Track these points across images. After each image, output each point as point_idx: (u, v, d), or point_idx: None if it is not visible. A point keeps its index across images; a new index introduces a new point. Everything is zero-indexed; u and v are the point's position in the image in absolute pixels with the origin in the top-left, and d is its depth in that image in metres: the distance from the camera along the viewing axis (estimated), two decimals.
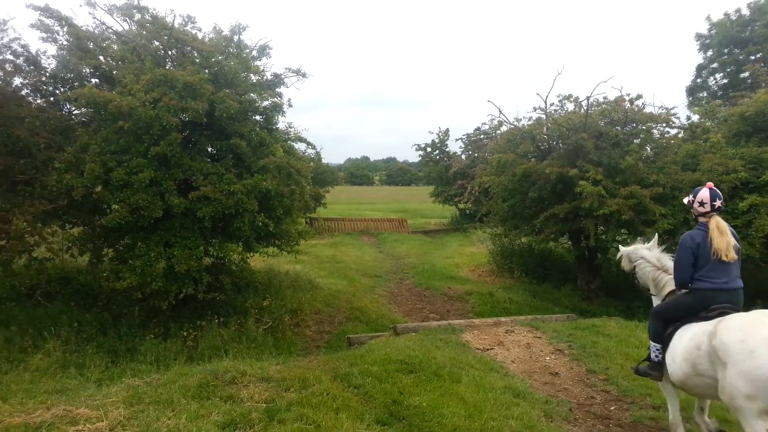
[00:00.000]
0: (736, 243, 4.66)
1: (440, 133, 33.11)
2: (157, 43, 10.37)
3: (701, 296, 4.66)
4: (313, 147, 15.90)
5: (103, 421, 4.67)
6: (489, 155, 19.07)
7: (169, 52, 10.52)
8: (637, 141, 14.09)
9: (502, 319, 9.91)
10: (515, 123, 16.37)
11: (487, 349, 8.00)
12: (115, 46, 10.60)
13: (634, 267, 5.83)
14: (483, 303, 12.85)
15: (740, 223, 11.80)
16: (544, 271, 15.88)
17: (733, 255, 4.59)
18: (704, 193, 4.78)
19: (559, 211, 13.10)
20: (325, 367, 6.59)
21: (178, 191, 9.13)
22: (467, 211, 29.29)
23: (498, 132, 22.79)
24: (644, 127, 14.20)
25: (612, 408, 6.30)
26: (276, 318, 9.98)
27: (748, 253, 11.53)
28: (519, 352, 8.03)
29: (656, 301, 5.43)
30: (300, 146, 15.95)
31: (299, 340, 9.76)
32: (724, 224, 4.70)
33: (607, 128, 13.98)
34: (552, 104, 16.41)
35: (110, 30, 10.54)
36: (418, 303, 12.69)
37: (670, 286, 5.20)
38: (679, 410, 5.15)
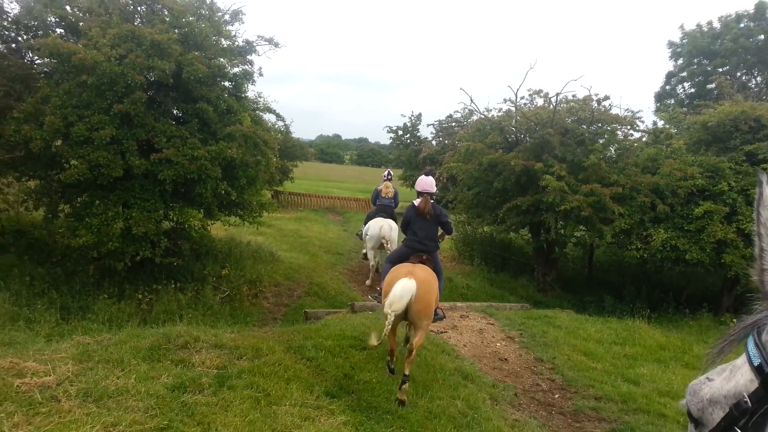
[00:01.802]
0: (395, 191, 12.27)
1: (412, 117, 33.09)
2: None
3: (377, 208, 11.79)
4: (282, 119, 15.67)
5: (50, 375, 4.62)
6: (459, 143, 19.20)
7: (139, 8, 10.23)
8: (601, 141, 14.38)
9: (459, 304, 10.07)
10: (485, 113, 16.50)
11: (441, 332, 8.14)
12: None
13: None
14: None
15: (693, 228, 12.20)
16: (503, 261, 16.16)
17: (391, 194, 12.03)
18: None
19: (522, 203, 13.32)
20: (279, 338, 6.61)
21: (139, 152, 8.93)
22: (434, 197, 29.41)
23: (469, 121, 22.90)
24: (609, 128, 14.47)
25: (556, 396, 6.51)
26: (234, 287, 9.92)
27: (699, 258, 11.95)
28: (471, 336, 8.20)
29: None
30: (269, 117, 15.75)
31: (256, 310, 9.74)
32: (391, 187, 12.27)
33: (573, 126, 14.22)
34: (522, 98, 16.65)
35: None
36: (377, 282, 12.76)
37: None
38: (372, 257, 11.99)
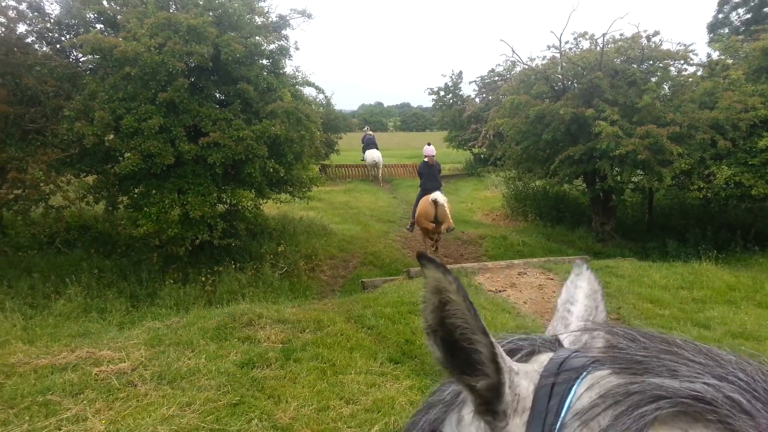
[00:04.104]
0: (372, 134, 25.48)
1: (453, 76, 32.35)
2: None
3: (366, 143, 24.26)
4: (323, 92, 15.58)
5: (125, 361, 4.84)
6: (503, 97, 18.72)
7: None
8: (653, 79, 13.72)
9: (515, 261, 9.95)
10: (529, 63, 15.97)
11: (500, 291, 8.07)
12: None
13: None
14: (497, 246, 12.89)
15: (758, 162, 11.58)
16: (559, 214, 15.82)
17: (372, 135, 25.44)
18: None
19: (574, 152, 12.92)
20: (339, 309, 6.71)
21: (188, 138, 9.09)
22: (481, 156, 28.99)
23: (512, 73, 22.23)
24: (661, 65, 13.79)
25: None
26: (291, 263, 10.10)
27: (766, 192, 11.37)
28: (531, 293, 8.10)
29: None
30: (309, 92, 15.75)
31: (314, 284, 9.90)
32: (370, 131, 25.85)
33: (623, 66, 13.60)
34: (567, 42, 16.06)
35: None
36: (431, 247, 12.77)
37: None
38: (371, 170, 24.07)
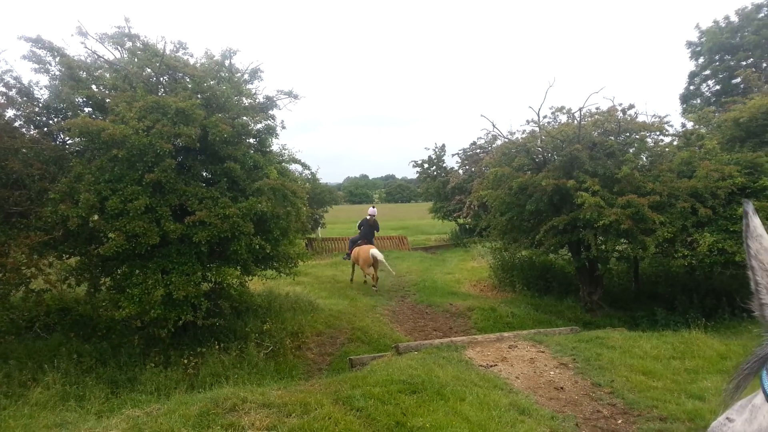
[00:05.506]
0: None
1: (436, 149, 33.21)
2: (149, 70, 10.32)
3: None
4: (308, 168, 15.75)
5: None
6: (485, 169, 19.10)
7: (161, 79, 10.48)
8: (631, 150, 14.14)
9: (505, 334, 9.83)
10: (509, 136, 16.42)
11: (491, 366, 7.92)
12: (107, 75, 10.50)
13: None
14: (485, 318, 12.77)
15: (739, 229, 11.75)
16: (546, 284, 15.81)
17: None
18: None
19: (558, 222, 13.08)
20: (326, 390, 6.51)
21: (173, 217, 9.05)
22: (467, 226, 29.29)
23: (493, 146, 22.82)
24: (638, 136, 14.25)
25: (619, 421, 6.22)
26: (277, 342, 9.87)
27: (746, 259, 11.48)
28: (523, 367, 7.96)
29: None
30: (295, 168, 15.95)
31: (301, 363, 9.65)
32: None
33: (600, 138, 14.03)
34: (545, 116, 16.53)
35: (102, 59, 10.48)
36: (420, 320, 12.61)
37: None
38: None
